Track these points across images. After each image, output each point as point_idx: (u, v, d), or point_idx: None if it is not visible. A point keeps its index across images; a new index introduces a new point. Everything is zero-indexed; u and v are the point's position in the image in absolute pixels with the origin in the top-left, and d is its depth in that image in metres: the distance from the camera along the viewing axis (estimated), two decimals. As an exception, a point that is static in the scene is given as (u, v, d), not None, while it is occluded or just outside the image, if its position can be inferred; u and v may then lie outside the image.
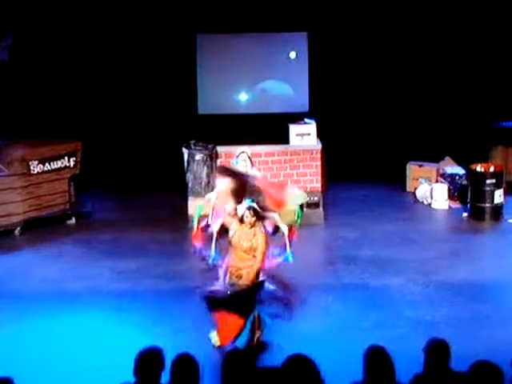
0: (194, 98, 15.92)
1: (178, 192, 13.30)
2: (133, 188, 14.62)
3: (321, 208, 12.82)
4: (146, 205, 13.73)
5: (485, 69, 15.53)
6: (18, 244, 12.02)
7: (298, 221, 8.76)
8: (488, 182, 12.90)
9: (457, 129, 15.23)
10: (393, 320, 9.08)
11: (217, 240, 8.57)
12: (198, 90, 15.95)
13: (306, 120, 13.81)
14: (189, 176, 12.66)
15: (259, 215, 8.31)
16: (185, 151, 12.99)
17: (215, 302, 8.27)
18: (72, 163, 12.90)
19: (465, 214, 13.14)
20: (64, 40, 15.29)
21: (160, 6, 15.36)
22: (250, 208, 8.27)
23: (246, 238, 8.21)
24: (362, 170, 15.00)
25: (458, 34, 15.40)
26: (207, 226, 8.70)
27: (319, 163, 13.38)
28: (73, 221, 12.93)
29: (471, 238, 12.20)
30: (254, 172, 10.23)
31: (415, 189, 14.14)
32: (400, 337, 8.48)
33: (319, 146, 13.44)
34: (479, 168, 13.10)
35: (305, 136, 13.44)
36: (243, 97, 16.13)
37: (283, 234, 8.57)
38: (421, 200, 13.91)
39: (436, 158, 14.56)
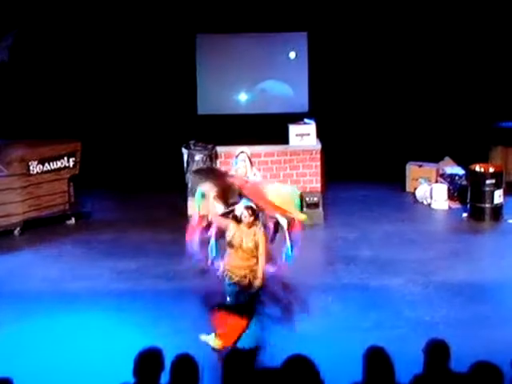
0: (194, 98, 15.91)
1: (177, 192, 13.30)
2: (132, 188, 14.61)
3: (320, 208, 12.82)
4: (145, 205, 13.73)
5: (485, 69, 15.53)
6: (18, 244, 12.01)
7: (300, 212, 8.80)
8: (488, 182, 12.89)
9: (456, 129, 15.23)
10: (392, 320, 9.08)
11: (217, 240, 8.57)
12: (198, 90, 15.95)
13: (306, 120, 13.82)
14: (188, 176, 12.66)
15: (257, 214, 8.33)
16: (184, 151, 13.00)
17: (221, 305, 8.28)
18: (71, 163, 12.89)
19: (464, 215, 13.14)
20: (64, 40, 15.29)
21: (160, 6, 15.35)
22: (247, 207, 8.27)
23: (248, 237, 8.20)
24: (361, 170, 14.99)
25: (458, 33, 15.40)
26: (207, 226, 8.69)
27: (319, 163, 13.40)
28: (72, 221, 12.93)
29: (471, 239, 12.20)
30: (254, 172, 10.25)
31: (415, 189, 14.13)
32: (400, 337, 8.48)
33: (319, 146, 13.45)
34: (479, 168, 13.10)
35: (304, 136, 13.45)
36: (243, 97, 16.13)
37: (282, 227, 8.56)
38: (420, 200, 13.91)
39: (436, 159, 14.56)
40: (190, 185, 12.61)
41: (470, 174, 13.23)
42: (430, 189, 13.80)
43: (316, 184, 13.38)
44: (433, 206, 13.64)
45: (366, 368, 5.49)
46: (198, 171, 10.67)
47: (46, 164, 12.59)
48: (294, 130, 13.50)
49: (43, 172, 12.56)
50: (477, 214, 12.95)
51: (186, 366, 5.39)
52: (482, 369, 5.30)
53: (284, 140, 13.50)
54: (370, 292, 9.96)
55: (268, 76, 16.10)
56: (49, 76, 15.41)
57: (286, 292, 8.61)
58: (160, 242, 11.74)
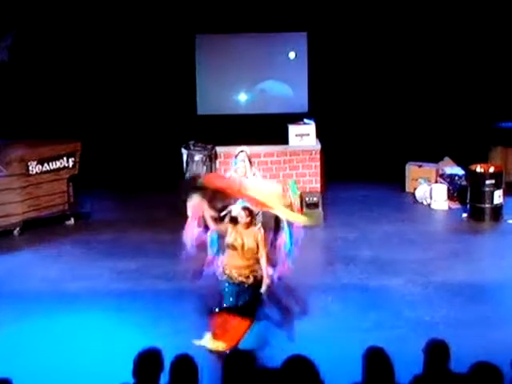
0: (193, 99, 15.91)
1: (177, 192, 13.27)
2: (132, 188, 14.61)
3: (320, 208, 12.81)
4: (145, 205, 13.72)
5: (485, 69, 15.53)
6: (17, 244, 12.01)
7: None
8: (487, 182, 12.89)
9: (456, 129, 15.22)
10: (392, 321, 9.07)
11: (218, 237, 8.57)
12: (197, 90, 15.95)
13: (306, 120, 13.83)
14: (188, 176, 12.65)
15: (254, 215, 8.33)
16: (184, 152, 13.00)
17: (222, 307, 8.27)
18: (71, 163, 12.89)
19: (464, 215, 13.14)
20: (64, 40, 15.28)
21: (159, 7, 15.35)
22: (244, 208, 8.29)
23: (248, 238, 8.21)
24: (361, 170, 14.99)
25: (458, 34, 15.39)
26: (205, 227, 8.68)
27: (318, 163, 13.41)
28: (72, 221, 12.92)
29: (471, 239, 12.19)
30: (253, 171, 10.25)
31: (415, 189, 14.13)
32: (399, 337, 8.47)
33: (318, 147, 13.46)
34: (479, 168, 13.09)
35: (304, 136, 13.45)
36: (242, 97, 16.12)
37: (282, 222, 8.55)
38: (420, 200, 13.90)
39: (435, 159, 14.56)
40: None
41: (470, 175, 13.22)
42: (430, 189, 13.79)
43: (316, 184, 13.39)
44: (432, 206, 13.63)
45: (365, 368, 5.48)
46: (183, 190, 10.53)
47: (46, 164, 12.58)
48: (293, 130, 13.51)
49: (42, 172, 12.55)
50: (476, 215, 12.95)
51: (185, 366, 5.39)
52: (481, 369, 5.30)
53: (284, 140, 13.51)
54: (369, 292, 9.96)
55: (268, 76, 16.10)
56: (49, 76, 15.41)
57: (286, 292, 8.60)
58: (160, 242, 11.73)
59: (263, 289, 8.24)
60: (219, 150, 13.09)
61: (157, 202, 13.70)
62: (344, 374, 6.01)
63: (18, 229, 12.34)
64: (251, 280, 8.25)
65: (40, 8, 14.92)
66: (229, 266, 8.28)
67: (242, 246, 8.20)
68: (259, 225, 9.41)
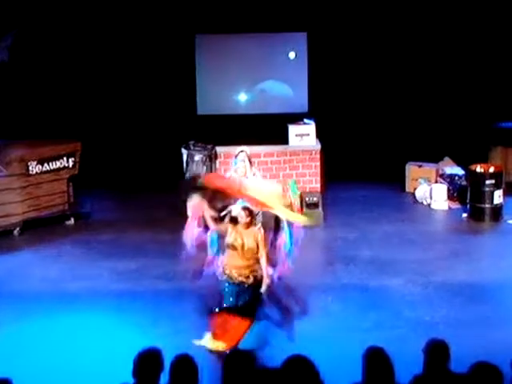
0: (193, 99, 15.91)
1: (177, 192, 13.27)
2: (132, 188, 14.61)
3: (320, 208, 12.81)
4: (145, 205, 13.72)
5: (484, 69, 15.53)
6: (17, 244, 12.01)
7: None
8: (487, 182, 12.89)
9: (456, 129, 15.22)
10: (392, 321, 9.07)
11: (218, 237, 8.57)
12: (197, 90, 15.95)
13: (306, 120, 13.83)
14: (188, 176, 12.65)
15: (254, 215, 8.33)
16: (184, 152, 13.00)
17: (222, 307, 8.27)
18: (71, 163, 12.89)
19: (464, 215, 13.14)
20: (64, 40, 15.28)
21: (159, 7, 15.35)
22: (244, 208, 8.30)
23: (249, 238, 8.21)
24: (361, 170, 14.99)
25: (458, 34, 15.39)
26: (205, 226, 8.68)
27: (318, 163, 13.41)
28: (72, 221, 12.92)
29: (471, 239, 12.19)
30: (253, 171, 10.25)
31: (414, 189, 14.13)
32: (399, 337, 8.47)
33: (318, 147, 13.46)
34: (479, 168, 13.09)
35: (304, 136, 13.45)
36: (242, 97, 16.13)
37: (282, 221, 8.54)
38: (420, 200, 13.90)
39: (435, 159, 14.55)
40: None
41: (470, 175, 13.22)
42: (430, 189, 13.79)
43: (316, 184, 13.39)
44: (432, 206, 13.63)
45: (365, 368, 5.48)
46: (183, 190, 10.51)
47: (46, 164, 12.58)
48: (293, 130, 13.51)
49: (42, 172, 12.55)
50: (476, 215, 12.94)
51: (185, 366, 5.39)
52: (481, 369, 5.30)
53: (284, 140, 13.51)
54: (369, 292, 9.95)
55: (268, 76, 16.10)
56: (48, 76, 15.41)
57: (286, 292, 8.60)
58: (160, 242, 11.72)
59: (263, 289, 8.24)
60: (219, 150, 13.09)
61: (157, 202, 13.70)
62: (344, 374, 6.01)
63: (17, 229, 12.34)
64: (251, 280, 8.25)
65: (40, 8, 14.93)
66: (229, 265, 8.28)
67: (242, 246, 8.20)
68: (259, 225, 9.41)
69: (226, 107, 15.96)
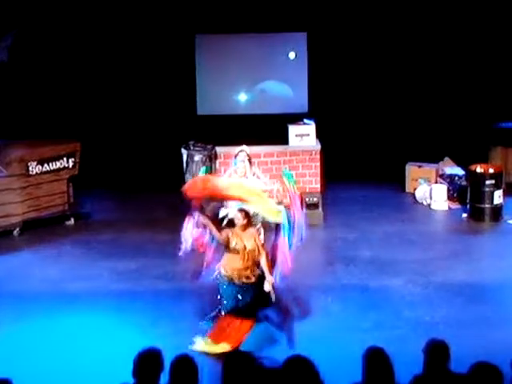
0: (193, 99, 15.92)
1: (177, 192, 13.25)
2: (132, 188, 14.61)
3: (320, 208, 12.81)
4: (145, 205, 13.72)
5: (484, 69, 15.53)
6: (17, 245, 12.00)
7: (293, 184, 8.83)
8: (487, 182, 12.89)
9: (456, 129, 15.23)
10: (392, 321, 9.07)
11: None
12: (197, 90, 15.95)
13: (306, 121, 13.83)
14: (188, 177, 12.65)
15: (250, 216, 8.33)
16: (184, 152, 13.00)
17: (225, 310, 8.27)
18: (71, 164, 12.88)
19: (464, 215, 13.13)
20: (64, 40, 15.29)
21: (159, 7, 15.35)
22: (240, 210, 8.30)
23: (249, 240, 8.21)
24: (361, 170, 14.99)
25: (458, 34, 15.40)
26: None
27: (318, 164, 13.41)
28: (72, 221, 12.92)
29: (471, 239, 12.19)
30: (253, 171, 10.25)
31: (414, 189, 14.13)
32: (399, 338, 8.47)
33: (318, 147, 13.46)
34: (479, 169, 13.09)
35: (304, 136, 13.45)
36: (242, 97, 16.13)
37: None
38: (420, 201, 13.90)
39: (435, 159, 14.55)
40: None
41: (470, 175, 13.22)
42: (430, 189, 13.79)
43: (316, 184, 13.39)
44: (432, 206, 13.63)
45: (365, 368, 5.48)
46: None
47: (46, 164, 12.58)
48: (293, 130, 13.52)
49: (42, 172, 12.55)
50: (476, 215, 12.94)
51: (185, 366, 5.38)
52: (481, 369, 5.30)
53: (284, 140, 13.51)
54: (369, 292, 9.95)
55: (268, 76, 16.10)
56: (48, 76, 15.41)
57: (286, 293, 8.60)
58: (160, 243, 11.72)
59: (267, 287, 8.23)
60: (219, 150, 13.09)
61: (157, 202, 13.70)
62: (344, 374, 6.01)
63: (17, 229, 12.34)
64: (253, 279, 8.26)
65: (40, 8, 14.93)
66: (230, 268, 8.27)
67: (244, 248, 8.21)
68: (259, 225, 9.42)
69: (226, 107, 15.96)
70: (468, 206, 13.11)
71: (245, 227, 8.27)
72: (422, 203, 13.84)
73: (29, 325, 9.06)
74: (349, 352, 7.51)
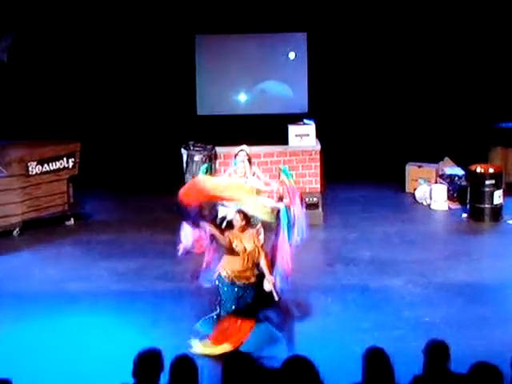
0: (193, 99, 15.91)
1: (177, 193, 13.25)
2: (132, 189, 14.61)
3: (320, 209, 12.81)
4: (144, 206, 13.72)
5: (484, 69, 15.53)
6: (17, 245, 11.99)
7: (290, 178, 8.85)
8: (487, 182, 12.89)
9: (456, 129, 15.23)
10: (392, 321, 9.06)
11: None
12: (197, 90, 15.95)
13: (305, 121, 13.82)
14: (188, 177, 12.64)
15: (249, 217, 8.33)
16: (184, 152, 12.99)
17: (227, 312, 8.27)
18: (71, 164, 12.88)
19: (464, 215, 13.13)
20: (63, 41, 15.29)
21: (159, 7, 15.35)
22: (239, 212, 8.29)
23: (248, 242, 8.22)
24: (361, 170, 15.00)
25: (458, 34, 15.40)
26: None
27: (318, 164, 13.40)
28: (71, 222, 12.91)
29: (470, 239, 12.19)
30: (253, 171, 10.24)
31: (414, 189, 14.13)
32: (399, 338, 8.47)
33: (318, 147, 13.45)
34: (478, 169, 13.09)
35: (304, 137, 13.44)
36: (242, 97, 16.13)
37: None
38: (420, 201, 13.90)
39: (435, 159, 14.55)
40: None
41: (470, 175, 13.22)
42: (430, 189, 13.79)
43: (315, 184, 13.38)
44: (432, 206, 13.63)
45: (365, 368, 5.47)
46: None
47: (45, 165, 12.58)
48: (293, 130, 13.51)
49: (42, 173, 12.54)
50: (476, 215, 12.94)
51: (185, 366, 5.38)
52: (481, 369, 5.29)
53: (283, 140, 13.50)
54: (369, 293, 9.95)
55: (267, 76, 16.10)
56: (48, 77, 15.41)
57: (286, 293, 8.59)
58: (159, 243, 11.71)
59: (267, 286, 8.23)
60: (219, 150, 13.08)
61: (156, 202, 13.69)
62: (344, 374, 6.01)
63: (17, 229, 12.33)
64: (253, 280, 8.26)
65: (40, 8, 14.92)
66: (230, 270, 8.26)
67: (244, 250, 8.21)
68: (259, 225, 9.42)
69: (226, 107, 15.96)
70: (468, 206, 13.11)
71: (244, 228, 8.27)
72: (421, 203, 13.84)
73: (29, 325, 9.06)
74: (349, 352, 7.52)
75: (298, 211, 8.60)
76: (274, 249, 8.57)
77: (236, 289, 8.25)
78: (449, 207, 13.60)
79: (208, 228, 8.30)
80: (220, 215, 9.18)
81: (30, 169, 12.39)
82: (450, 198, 13.71)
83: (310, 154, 13.40)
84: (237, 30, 15.41)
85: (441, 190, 13.66)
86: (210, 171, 10.09)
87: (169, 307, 9.49)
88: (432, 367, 5.69)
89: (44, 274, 10.74)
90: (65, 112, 15.43)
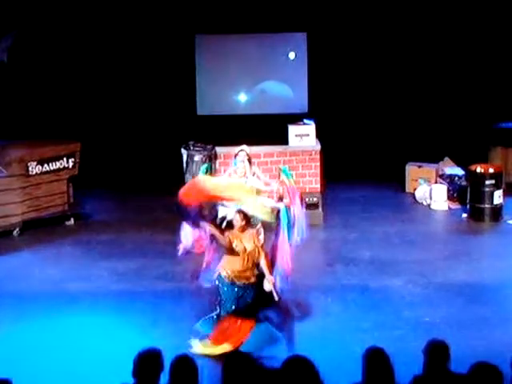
0: (193, 99, 15.91)
1: (177, 193, 13.24)
2: (132, 189, 14.61)
3: (320, 209, 12.81)
4: (144, 206, 13.72)
5: (484, 69, 15.53)
6: (17, 245, 11.99)
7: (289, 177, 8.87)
8: (487, 182, 12.89)
9: (456, 129, 15.23)
10: (392, 321, 9.06)
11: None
12: (197, 90, 15.95)
13: (305, 121, 13.82)
14: (188, 177, 12.64)
15: (249, 218, 8.33)
16: (184, 152, 12.99)
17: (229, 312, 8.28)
18: (71, 164, 12.88)
19: (464, 215, 13.14)
20: (63, 41, 15.29)
21: (159, 7, 15.35)
22: (239, 212, 8.29)
23: (248, 242, 8.22)
24: (361, 170, 15.00)
25: (458, 34, 15.40)
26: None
27: (318, 164, 13.40)
28: (71, 222, 12.92)
29: (470, 239, 12.19)
30: (253, 170, 10.24)
31: (414, 189, 14.13)
32: (399, 338, 8.47)
33: (318, 147, 13.45)
34: (478, 169, 13.09)
35: (304, 137, 13.45)
36: (242, 97, 16.12)
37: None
38: (420, 201, 13.90)
39: (435, 159, 14.55)
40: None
41: (470, 175, 13.22)
42: (430, 189, 13.79)
43: (315, 184, 13.38)
44: (432, 206, 13.63)
45: (365, 368, 5.47)
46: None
47: (45, 165, 12.58)
48: (293, 130, 13.51)
49: (42, 173, 12.55)
50: (476, 215, 12.94)
51: (185, 366, 5.38)
52: (481, 369, 5.29)
53: (283, 140, 13.50)
54: (369, 293, 9.95)
55: (267, 77, 16.09)
56: (48, 77, 15.41)
57: (286, 293, 8.60)
58: (159, 243, 11.72)
59: (267, 286, 8.23)
60: (219, 150, 13.08)
61: (156, 202, 13.69)
62: (344, 374, 6.01)
63: (17, 229, 12.33)
64: (253, 280, 8.26)
65: (40, 8, 14.92)
66: (229, 269, 8.26)
67: (244, 250, 8.21)
68: (259, 225, 9.42)
69: (226, 107, 15.95)
70: (468, 206, 13.11)
71: (244, 228, 8.27)
72: (421, 203, 13.84)
73: (29, 325, 9.06)
74: (349, 352, 7.53)
75: (298, 211, 8.61)
76: (274, 249, 8.57)
77: (236, 289, 8.25)
78: (449, 207, 13.60)
79: (208, 228, 8.30)
80: (220, 215, 9.19)
81: (30, 169, 12.40)
82: (450, 197, 13.71)
83: (310, 154, 13.40)
84: (237, 30, 15.41)
85: (441, 190, 13.66)
86: (210, 171, 10.08)
87: (169, 307, 9.49)
88: (432, 367, 5.69)
89: (44, 274, 10.74)
90: (65, 112, 15.43)
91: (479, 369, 5.29)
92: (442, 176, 14.13)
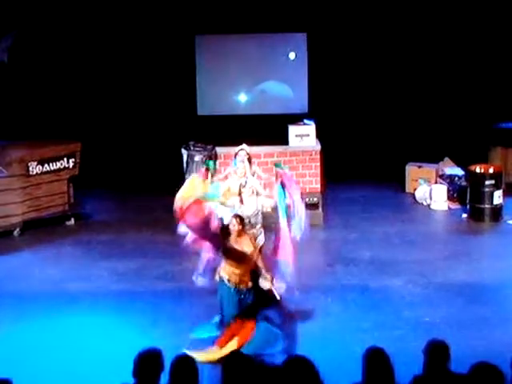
0: (193, 99, 15.91)
1: (176, 193, 13.25)
2: (132, 189, 14.61)
3: (320, 209, 12.81)
4: (144, 206, 13.72)
5: (484, 69, 15.53)
6: (17, 245, 12.00)
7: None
8: (487, 182, 12.89)
9: (456, 130, 15.23)
10: (392, 321, 9.07)
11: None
12: (197, 90, 15.95)
13: (306, 121, 13.82)
14: (188, 177, 12.63)
15: (244, 222, 8.35)
16: (184, 152, 13.00)
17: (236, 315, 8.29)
18: (71, 164, 12.89)
19: (464, 215, 13.14)
20: (63, 41, 15.29)
21: (159, 8, 15.35)
22: (235, 216, 8.30)
23: (248, 247, 8.22)
24: (361, 170, 15.00)
25: (458, 34, 15.40)
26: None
27: (318, 164, 13.40)
28: (72, 222, 12.92)
29: (470, 239, 12.19)
30: (253, 170, 10.23)
31: (414, 190, 14.13)
32: (399, 338, 8.47)
33: (318, 147, 13.45)
34: (478, 169, 13.09)
35: (304, 137, 13.45)
36: (242, 98, 16.12)
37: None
38: (420, 201, 13.90)
39: (435, 159, 14.55)
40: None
41: (470, 175, 13.23)
42: (430, 189, 13.79)
43: (316, 185, 13.38)
44: (432, 206, 13.63)
45: (365, 368, 5.48)
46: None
47: (46, 165, 12.59)
48: (293, 130, 13.51)
49: (43, 173, 12.55)
50: (476, 215, 12.95)
51: (185, 366, 5.39)
52: (481, 369, 5.29)
53: (284, 141, 13.50)
54: (369, 293, 9.95)
55: (268, 77, 16.09)
56: (48, 77, 15.41)
57: (286, 293, 8.60)
58: (159, 243, 11.73)
59: (264, 284, 8.22)
60: (219, 150, 13.08)
61: (156, 202, 13.68)
62: (344, 374, 6.01)
63: (18, 229, 12.34)
64: (250, 284, 8.27)
65: (40, 9, 14.93)
66: (232, 274, 8.27)
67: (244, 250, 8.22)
68: (259, 225, 9.41)
69: (226, 108, 15.95)
70: (468, 207, 13.11)
71: (240, 233, 8.28)
72: (421, 203, 13.84)
73: (29, 325, 9.06)
74: (349, 352, 7.53)
75: (297, 198, 8.60)
76: (275, 248, 8.58)
77: (237, 292, 8.25)
78: (449, 207, 13.60)
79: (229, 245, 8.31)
80: (220, 215, 9.18)
81: (30, 169, 12.40)
82: (450, 198, 13.71)
83: (310, 154, 13.40)
84: (237, 30, 15.41)
85: (441, 190, 13.66)
86: (214, 168, 10.02)
87: (169, 307, 9.50)
88: (432, 367, 5.69)
89: (44, 274, 10.75)
90: (65, 112, 15.43)
91: (479, 369, 5.30)
92: (441, 176, 14.13)
